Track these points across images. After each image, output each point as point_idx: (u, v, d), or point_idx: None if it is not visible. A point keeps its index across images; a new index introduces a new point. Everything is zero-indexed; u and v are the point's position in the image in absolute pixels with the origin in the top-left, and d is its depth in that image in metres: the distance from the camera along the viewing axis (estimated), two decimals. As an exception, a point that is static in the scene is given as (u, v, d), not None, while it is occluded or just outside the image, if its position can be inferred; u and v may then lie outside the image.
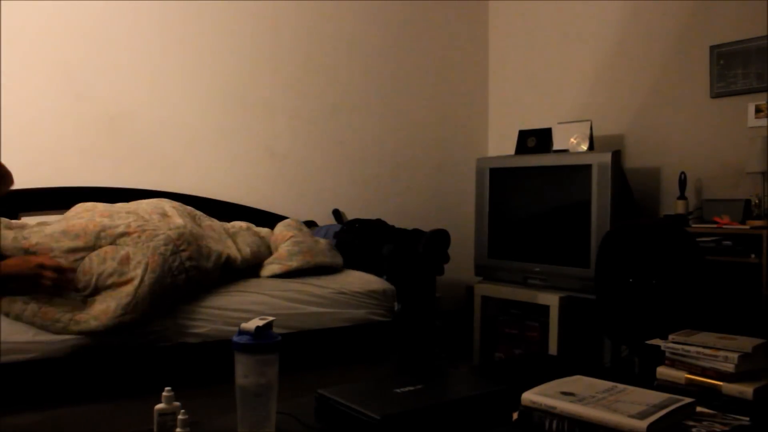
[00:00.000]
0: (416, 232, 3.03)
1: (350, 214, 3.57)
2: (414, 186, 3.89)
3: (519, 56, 4.02)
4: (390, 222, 3.35)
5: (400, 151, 3.84)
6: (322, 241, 2.92)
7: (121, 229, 2.20)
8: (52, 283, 1.97)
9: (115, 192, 2.91)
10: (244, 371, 1.23)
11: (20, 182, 2.69)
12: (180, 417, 1.23)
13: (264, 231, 2.90)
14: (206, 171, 3.19)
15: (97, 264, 2.11)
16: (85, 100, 2.88)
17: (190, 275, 2.26)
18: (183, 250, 2.27)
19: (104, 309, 2.04)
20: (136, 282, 2.09)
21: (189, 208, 2.73)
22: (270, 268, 2.70)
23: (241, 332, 1.25)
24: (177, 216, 2.48)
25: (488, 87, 4.22)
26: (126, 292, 2.08)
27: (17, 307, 1.99)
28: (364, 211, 3.59)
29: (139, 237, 2.20)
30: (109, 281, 2.10)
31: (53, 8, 2.79)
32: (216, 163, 3.23)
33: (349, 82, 3.64)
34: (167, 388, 1.28)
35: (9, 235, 2.11)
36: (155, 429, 1.26)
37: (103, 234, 2.17)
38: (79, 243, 2.13)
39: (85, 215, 2.29)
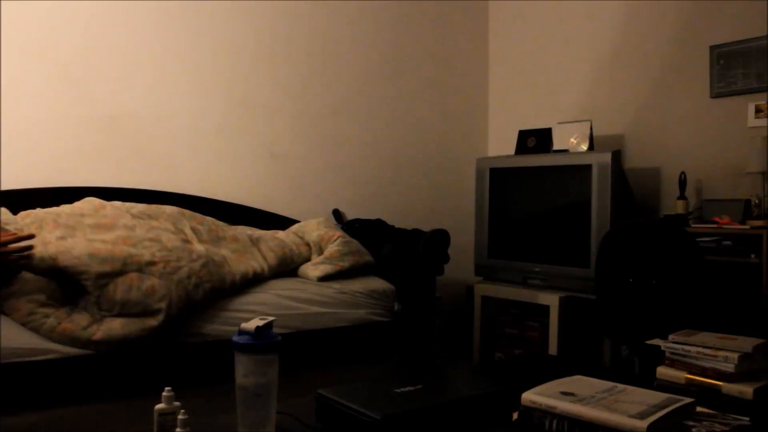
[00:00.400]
0: (416, 232, 3.03)
1: (350, 214, 3.58)
2: (414, 186, 3.89)
3: (519, 56, 4.02)
4: (390, 222, 3.35)
5: (400, 151, 3.84)
6: (355, 240, 2.96)
7: (146, 258, 2.21)
8: (18, 257, 1.99)
9: (115, 192, 2.91)
10: (244, 371, 1.22)
11: (21, 182, 2.71)
12: (180, 417, 1.23)
13: (281, 234, 2.91)
14: (206, 171, 3.19)
15: (121, 291, 2.11)
16: (85, 100, 2.88)
17: (213, 300, 2.31)
18: (206, 281, 2.29)
19: (126, 334, 2.07)
20: (161, 317, 2.13)
21: (210, 220, 2.72)
22: (322, 268, 2.70)
23: (241, 332, 1.25)
24: (197, 241, 2.47)
25: (488, 87, 4.22)
26: (149, 325, 2.11)
27: (36, 319, 1.99)
28: (364, 211, 3.59)
29: (164, 268, 2.21)
30: (134, 310, 2.12)
31: (53, 8, 2.79)
32: (216, 163, 3.23)
33: (349, 82, 3.64)
34: (167, 388, 1.28)
35: (20, 246, 2.08)
36: (155, 429, 1.26)
37: (129, 261, 2.17)
38: (107, 268, 2.12)
39: (108, 238, 2.27)
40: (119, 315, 2.10)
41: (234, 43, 3.26)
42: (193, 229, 2.54)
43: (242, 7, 3.27)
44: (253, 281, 2.51)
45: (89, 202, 2.56)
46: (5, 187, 2.67)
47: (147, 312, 2.12)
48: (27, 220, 2.37)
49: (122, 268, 2.15)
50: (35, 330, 1.99)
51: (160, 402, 1.27)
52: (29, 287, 2.03)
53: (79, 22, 2.86)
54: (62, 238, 2.25)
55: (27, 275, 2.06)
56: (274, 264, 2.63)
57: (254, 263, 2.55)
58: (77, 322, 2.03)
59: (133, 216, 2.50)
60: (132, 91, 2.99)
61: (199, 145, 3.18)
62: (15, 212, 2.50)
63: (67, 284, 2.11)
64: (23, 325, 1.99)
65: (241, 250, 2.56)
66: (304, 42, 3.48)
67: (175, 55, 3.10)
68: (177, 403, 1.27)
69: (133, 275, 2.15)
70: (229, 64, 3.25)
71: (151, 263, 2.21)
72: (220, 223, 2.76)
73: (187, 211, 2.70)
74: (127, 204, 2.63)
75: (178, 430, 1.22)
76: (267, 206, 3.34)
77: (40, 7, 2.76)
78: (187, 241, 2.45)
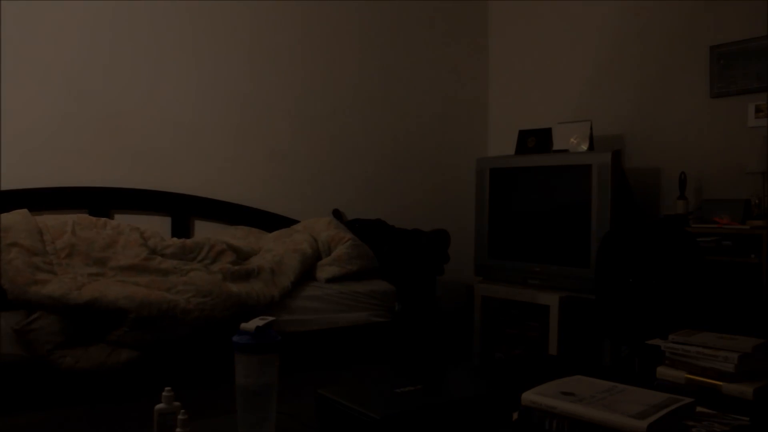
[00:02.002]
0: (416, 232, 3.03)
1: (350, 214, 3.58)
2: (414, 186, 3.89)
3: (519, 56, 4.02)
4: (390, 222, 3.35)
5: (400, 151, 3.84)
6: (365, 244, 2.96)
7: (182, 305, 2.18)
8: None
9: (115, 192, 2.92)
10: (244, 371, 1.22)
11: (21, 182, 2.71)
12: (180, 417, 1.23)
13: (296, 236, 2.89)
14: (206, 171, 3.19)
15: (153, 334, 2.12)
16: (85, 100, 2.88)
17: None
18: (234, 320, 2.24)
19: (143, 357, 2.08)
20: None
21: (240, 249, 2.69)
22: (330, 269, 2.70)
23: (241, 332, 1.25)
24: (234, 284, 2.41)
25: (488, 87, 4.22)
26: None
27: (54, 359, 1.98)
28: (364, 211, 3.59)
29: (197, 318, 2.19)
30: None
31: (53, 8, 2.79)
32: (216, 163, 3.23)
33: (349, 82, 3.64)
34: (167, 388, 1.28)
35: (56, 292, 2.05)
36: (155, 429, 1.26)
37: (165, 307, 2.15)
38: (144, 313, 2.10)
39: (141, 281, 2.25)
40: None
41: (234, 43, 3.26)
42: (222, 270, 2.47)
43: (243, 7, 3.27)
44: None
45: (124, 236, 2.51)
46: (5, 187, 2.67)
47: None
48: (58, 243, 2.33)
49: (158, 314, 2.12)
50: (56, 365, 1.98)
51: (160, 402, 1.27)
52: (50, 327, 2.00)
53: (79, 22, 2.86)
54: (93, 275, 2.23)
55: (50, 315, 2.02)
56: (298, 277, 2.61)
57: (283, 284, 2.52)
58: (95, 357, 2.02)
59: (165, 257, 2.48)
60: (132, 91, 3.00)
61: (199, 145, 3.18)
62: (23, 207, 2.48)
63: (86, 323, 2.08)
64: (42, 361, 1.97)
65: (269, 278, 2.53)
66: (304, 42, 3.48)
67: (176, 56, 3.10)
68: (177, 403, 1.27)
69: (168, 322, 2.14)
70: (230, 65, 3.25)
71: (186, 311, 2.18)
72: (249, 250, 2.74)
73: (221, 245, 2.64)
74: (165, 242, 2.60)
75: (178, 430, 1.22)
76: (267, 206, 3.34)
77: (41, 7, 2.76)
78: (222, 281, 2.41)
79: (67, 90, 2.84)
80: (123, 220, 2.79)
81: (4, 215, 2.36)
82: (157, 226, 2.94)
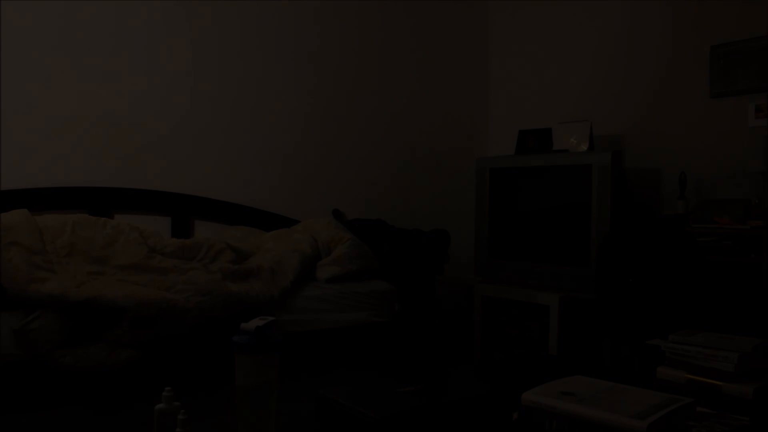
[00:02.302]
0: (416, 232, 3.03)
1: (350, 214, 3.57)
2: (414, 186, 3.89)
3: (519, 56, 4.02)
4: (390, 222, 3.35)
5: (400, 151, 3.84)
6: (365, 244, 2.96)
7: (181, 305, 2.18)
8: None
9: (115, 192, 2.92)
10: (244, 371, 1.22)
11: (22, 182, 2.71)
12: (180, 417, 1.23)
13: (297, 235, 2.89)
14: (207, 171, 3.19)
15: (152, 334, 2.12)
16: (85, 99, 2.88)
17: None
18: (233, 318, 2.24)
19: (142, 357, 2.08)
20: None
21: (244, 247, 2.70)
22: (330, 269, 2.69)
23: (241, 332, 1.25)
24: (233, 283, 2.40)
25: (488, 87, 4.22)
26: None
27: (55, 358, 1.98)
28: (364, 211, 3.59)
29: (196, 318, 2.19)
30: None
31: (54, 8, 2.79)
32: (216, 164, 3.23)
33: (349, 82, 3.64)
34: (167, 388, 1.28)
35: (55, 290, 2.06)
36: (155, 429, 1.26)
37: (165, 306, 2.15)
38: (143, 312, 2.10)
39: (140, 280, 2.25)
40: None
41: (234, 44, 3.26)
42: (221, 270, 2.46)
43: (242, 8, 3.27)
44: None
45: (123, 235, 2.50)
46: (5, 187, 2.67)
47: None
48: (58, 242, 2.32)
49: (158, 313, 2.12)
50: (66, 366, 1.98)
51: (160, 402, 1.27)
52: (49, 327, 2.00)
53: (80, 22, 2.86)
54: (93, 273, 2.22)
55: (49, 314, 2.02)
56: (298, 277, 2.61)
57: (282, 284, 2.52)
58: (95, 357, 2.02)
59: (165, 256, 2.47)
60: (132, 91, 3.00)
61: (199, 145, 3.18)
62: (22, 207, 2.48)
63: (85, 322, 2.08)
64: (43, 360, 1.98)
65: (269, 278, 2.53)
66: (304, 42, 3.48)
67: (177, 56, 3.10)
68: (177, 403, 1.27)
69: (167, 321, 2.14)
70: (229, 65, 3.25)
71: (186, 309, 2.18)
72: (254, 252, 2.74)
73: (221, 244, 2.63)
74: (164, 241, 2.59)
75: (178, 430, 1.22)
76: (267, 206, 3.34)
77: (41, 7, 2.76)
78: (223, 281, 2.39)
79: (67, 90, 2.84)
80: (123, 220, 2.79)
81: (4, 215, 2.36)
82: (157, 226, 2.94)
